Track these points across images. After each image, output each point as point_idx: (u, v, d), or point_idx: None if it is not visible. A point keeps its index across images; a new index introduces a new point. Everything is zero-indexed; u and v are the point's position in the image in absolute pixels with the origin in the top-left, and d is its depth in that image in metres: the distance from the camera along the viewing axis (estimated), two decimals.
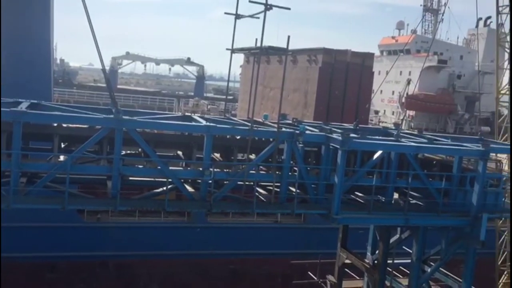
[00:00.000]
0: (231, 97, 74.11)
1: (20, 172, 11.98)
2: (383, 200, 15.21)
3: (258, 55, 14.24)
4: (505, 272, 28.23)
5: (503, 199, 15.63)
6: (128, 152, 14.67)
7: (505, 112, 28.15)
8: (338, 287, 18.00)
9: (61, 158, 13.11)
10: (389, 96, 61.07)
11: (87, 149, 12.69)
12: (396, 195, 15.71)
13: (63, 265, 26.26)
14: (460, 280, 16.32)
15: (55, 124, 13.39)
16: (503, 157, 25.13)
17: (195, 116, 15.24)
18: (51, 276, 26.14)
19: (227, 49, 15.90)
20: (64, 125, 13.51)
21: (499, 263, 28.29)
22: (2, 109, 11.77)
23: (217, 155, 15.36)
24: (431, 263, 16.52)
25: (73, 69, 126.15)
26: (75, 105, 16.35)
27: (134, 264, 27.15)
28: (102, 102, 61.00)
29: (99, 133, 12.31)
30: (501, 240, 27.91)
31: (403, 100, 55.69)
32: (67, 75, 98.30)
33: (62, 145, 13.86)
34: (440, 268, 16.50)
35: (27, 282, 25.41)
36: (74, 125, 13.53)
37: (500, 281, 28.49)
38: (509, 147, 18.83)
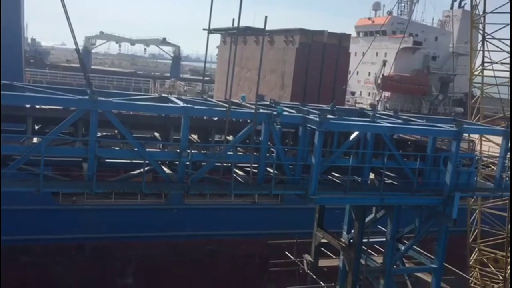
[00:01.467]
0: (208, 78, 73.53)
1: None
2: (359, 180, 15.43)
3: (235, 36, 14.12)
4: (476, 249, 29.10)
5: (475, 179, 16.03)
6: (104, 134, 14.47)
7: (478, 93, 28.65)
8: (314, 265, 18.28)
9: (35, 140, 12.86)
10: (365, 77, 61.54)
11: (61, 131, 12.47)
12: (372, 175, 15.95)
13: (38, 248, 26.00)
14: (433, 257, 16.77)
15: (28, 106, 13.09)
16: (476, 138, 25.72)
17: (172, 97, 15.08)
18: (25, 259, 25.86)
19: (203, 29, 15.75)
20: (38, 106, 13.22)
21: (470, 240, 29.14)
22: None
23: (195, 136, 15.28)
24: (405, 241, 16.90)
25: (45, 49, 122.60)
26: (48, 86, 15.99)
27: (111, 246, 27.04)
28: (76, 83, 59.89)
29: (74, 115, 12.08)
30: (472, 218, 28.68)
31: (379, 81, 56.19)
32: (39, 55, 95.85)
33: (36, 127, 13.59)
34: (414, 246, 16.90)
35: (1, 265, 25.09)
36: (48, 107, 13.25)
37: (471, 258, 29.37)
38: (482, 128, 19.23)
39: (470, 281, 28.32)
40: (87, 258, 26.85)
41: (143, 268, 27.76)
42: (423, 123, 16.62)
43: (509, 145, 16.25)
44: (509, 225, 27.19)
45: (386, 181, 15.45)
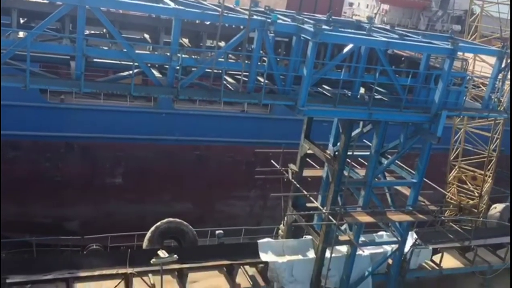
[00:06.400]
0: None
1: None
2: (349, 94, 15.44)
3: None
4: (456, 166, 30.03)
5: (464, 98, 16.11)
6: (92, 32, 14.05)
7: (478, 11, 27.94)
8: (298, 175, 18.80)
9: (21, 34, 12.46)
10: None
11: (48, 27, 12.07)
12: (362, 90, 15.93)
13: (27, 144, 26.22)
14: (414, 172, 17.29)
15: None
16: (470, 57, 25.50)
17: None
18: (14, 153, 26.16)
19: None
20: None
21: (451, 158, 29.98)
22: None
23: (186, 40, 14.93)
24: (389, 156, 17.31)
25: None
26: None
27: (100, 146, 27.35)
28: None
29: (60, 10, 11.62)
30: (456, 137, 29.28)
31: None
32: None
33: (21, 21, 13.12)
34: (396, 161, 17.34)
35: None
36: (34, 0, 12.70)
37: (450, 174, 30.40)
38: (477, 47, 18.99)
39: (447, 196, 29.52)
40: (76, 157, 27.24)
41: (131, 169, 28.32)
42: (419, 39, 16.34)
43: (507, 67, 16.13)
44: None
45: (375, 97, 15.48)
